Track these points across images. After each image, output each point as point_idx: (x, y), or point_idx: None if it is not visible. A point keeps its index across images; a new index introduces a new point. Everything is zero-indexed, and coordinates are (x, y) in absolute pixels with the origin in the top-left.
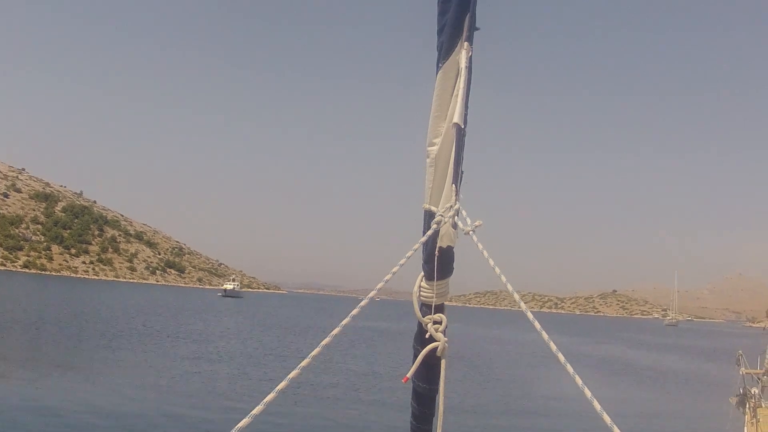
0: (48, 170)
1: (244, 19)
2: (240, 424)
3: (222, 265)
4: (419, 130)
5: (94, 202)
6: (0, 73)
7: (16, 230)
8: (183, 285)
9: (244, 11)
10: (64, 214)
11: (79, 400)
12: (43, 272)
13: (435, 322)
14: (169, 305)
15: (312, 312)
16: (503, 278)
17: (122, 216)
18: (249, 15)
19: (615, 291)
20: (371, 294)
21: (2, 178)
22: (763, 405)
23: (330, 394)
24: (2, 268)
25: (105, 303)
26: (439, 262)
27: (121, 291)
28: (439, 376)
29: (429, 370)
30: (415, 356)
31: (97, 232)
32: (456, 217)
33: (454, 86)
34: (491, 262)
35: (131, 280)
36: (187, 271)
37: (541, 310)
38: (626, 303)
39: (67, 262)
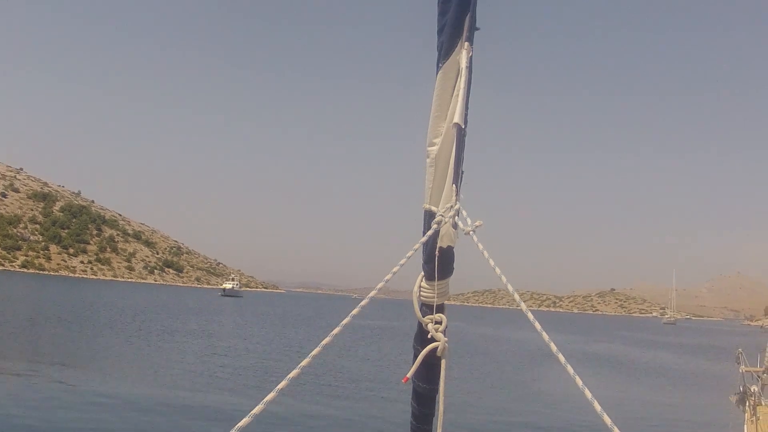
0: (46, 170)
1: (244, 19)
2: (240, 424)
3: (220, 265)
4: (419, 130)
5: (92, 201)
6: None
7: (14, 230)
8: (181, 284)
9: (244, 11)
10: (62, 214)
11: (79, 399)
12: (41, 272)
13: (435, 322)
14: (168, 305)
15: (312, 311)
16: (504, 279)
17: (120, 215)
18: (249, 15)
19: (613, 289)
20: (372, 294)
21: (0, 178)
22: (763, 403)
23: (330, 393)
24: (0, 268)
25: (103, 302)
26: (439, 262)
27: (120, 290)
28: (439, 376)
29: (429, 370)
30: (415, 356)
31: (95, 232)
32: (456, 217)
33: (455, 86)
34: (491, 262)
35: (129, 280)
36: (185, 271)
37: (539, 308)
38: (625, 301)
39: (66, 261)
